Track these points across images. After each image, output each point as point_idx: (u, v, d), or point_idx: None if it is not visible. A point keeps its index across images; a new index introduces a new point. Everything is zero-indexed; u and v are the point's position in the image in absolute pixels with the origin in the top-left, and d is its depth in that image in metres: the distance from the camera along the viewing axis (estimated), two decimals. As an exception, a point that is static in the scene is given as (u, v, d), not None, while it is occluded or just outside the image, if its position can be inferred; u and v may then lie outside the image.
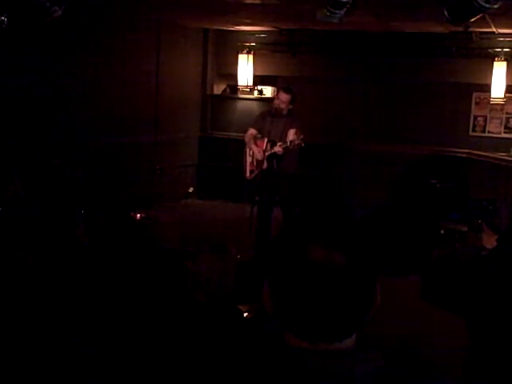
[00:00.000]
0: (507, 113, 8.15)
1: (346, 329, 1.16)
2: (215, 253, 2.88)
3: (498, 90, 7.79)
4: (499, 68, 7.77)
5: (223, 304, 2.63)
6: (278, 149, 6.08)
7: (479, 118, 8.28)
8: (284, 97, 6.25)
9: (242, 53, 8.97)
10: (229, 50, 9.24)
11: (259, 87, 9.49)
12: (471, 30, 6.97)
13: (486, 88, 7.92)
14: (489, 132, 8.25)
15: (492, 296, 2.44)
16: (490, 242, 3.05)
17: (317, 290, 1.11)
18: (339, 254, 1.12)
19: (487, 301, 2.45)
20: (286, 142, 6.04)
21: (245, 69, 8.97)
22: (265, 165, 6.22)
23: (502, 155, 7.64)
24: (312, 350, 1.13)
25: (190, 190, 9.35)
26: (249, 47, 9.00)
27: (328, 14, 4.72)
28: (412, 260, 2.16)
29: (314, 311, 1.13)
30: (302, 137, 5.98)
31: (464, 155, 8.07)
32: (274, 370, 1.13)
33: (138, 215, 5.22)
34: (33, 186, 4.33)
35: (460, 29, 6.41)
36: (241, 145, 6.74)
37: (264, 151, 6.17)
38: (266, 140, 6.18)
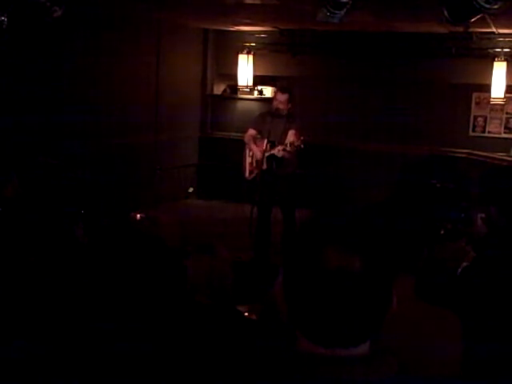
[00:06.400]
0: (507, 113, 8.15)
1: (362, 334, 1.13)
2: (203, 253, 2.85)
3: (497, 90, 7.78)
4: (499, 68, 7.76)
5: (224, 305, 2.62)
6: (277, 150, 6.07)
7: (479, 118, 8.28)
8: (281, 97, 6.19)
9: (241, 53, 8.96)
10: (229, 50, 9.24)
11: (259, 87, 9.50)
12: (471, 30, 6.96)
13: (486, 88, 7.91)
14: (489, 132, 8.25)
15: (484, 292, 2.45)
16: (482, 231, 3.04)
17: (333, 294, 1.09)
18: (356, 258, 1.10)
19: (478, 297, 2.45)
20: (286, 144, 6.02)
21: (245, 69, 8.97)
22: (264, 165, 6.22)
23: (501, 155, 7.64)
24: (326, 356, 1.11)
25: (190, 190, 9.35)
26: (249, 47, 8.99)
27: (328, 14, 4.71)
28: (406, 259, 2.16)
29: (330, 316, 1.10)
30: (301, 138, 5.95)
31: (464, 155, 8.07)
32: (286, 376, 1.11)
33: (138, 215, 5.20)
34: (31, 186, 4.33)
35: (460, 29, 6.40)
36: (241, 145, 6.73)
37: (264, 152, 6.16)
38: (265, 141, 6.17)
